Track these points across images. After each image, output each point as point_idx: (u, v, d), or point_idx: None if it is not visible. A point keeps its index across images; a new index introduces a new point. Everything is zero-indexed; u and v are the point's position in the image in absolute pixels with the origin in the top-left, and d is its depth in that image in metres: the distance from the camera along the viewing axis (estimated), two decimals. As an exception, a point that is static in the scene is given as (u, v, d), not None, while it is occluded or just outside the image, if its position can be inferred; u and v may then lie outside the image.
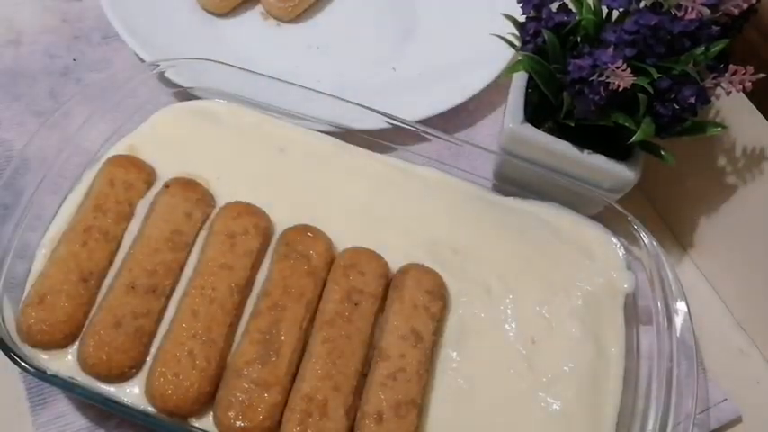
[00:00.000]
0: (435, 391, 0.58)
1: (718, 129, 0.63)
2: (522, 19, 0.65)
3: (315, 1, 0.89)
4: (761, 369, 0.73)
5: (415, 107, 0.77)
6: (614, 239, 0.68)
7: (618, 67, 0.57)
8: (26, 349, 0.54)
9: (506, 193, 0.70)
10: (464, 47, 0.86)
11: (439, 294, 0.61)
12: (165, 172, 0.65)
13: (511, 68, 0.66)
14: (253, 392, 0.53)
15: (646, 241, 0.66)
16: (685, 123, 0.62)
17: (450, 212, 0.67)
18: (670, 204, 0.80)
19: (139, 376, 0.55)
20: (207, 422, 0.54)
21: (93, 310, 0.56)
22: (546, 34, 0.62)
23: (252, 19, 0.88)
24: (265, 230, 0.62)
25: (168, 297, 0.58)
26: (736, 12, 0.57)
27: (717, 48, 0.60)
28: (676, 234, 0.80)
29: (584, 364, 0.60)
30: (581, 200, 0.68)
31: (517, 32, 0.66)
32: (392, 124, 0.70)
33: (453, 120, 0.82)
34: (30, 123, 0.74)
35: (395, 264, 0.63)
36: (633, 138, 0.61)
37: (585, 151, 0.66)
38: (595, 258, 0.66)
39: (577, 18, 0.63)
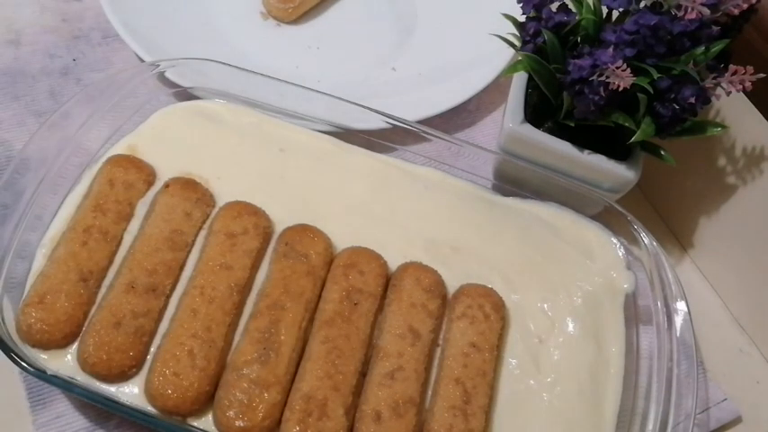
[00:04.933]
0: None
1: (719, 129, 0.63)
2: (522, 19, 0.65)
3: (315, 3, 0.89)
4: (761, 369, 0.73)
5: (415, 107, 0.77)
6: (614, 239, 0.68)
7: (618, 67, 0.57)
8: (26, 349, 0.54)
9: (506, 193, 0.70)
10: (464, 47, 0.86)
11: (437, 292, 0.61)
12: (165, 172, 0.65)
13: (511, 68, 0.66)
14: (252, 392, 0.53)
15: (646, 241, 0.66)
16: (685, 123, 0.62)
17: (449, 212, 0.67)
18: (670, 204, 0.80)
19: (139, 376, 0.55)
20: (206, 422, 0.54)
21: (93, 309, 0.56)
22: (546, 34, 0.62)
23: (252, 19, 0.88)
24: (265, 230, 0.62)
25: (168, 296, 0.58)
26: (736, 12, 0.57)
27: (717, 48, 0.60)
28: (676, 234, 0.80)
29: (585, 363, 0.61)
30: (581, 200, 0.68)
31: (517, 32, 0.66)
32: (392, 124, 0.70)
33: (453, 120, 0.82)
34: (30, 123, 0.74)
35: (394, 263, 0.63)
36: (633, 138, 0.61)
37: (585, 151, 0.66)
38: (595, 258, 0.66)
39: (577, 18, 0.63)
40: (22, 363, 0.52)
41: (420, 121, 0.73)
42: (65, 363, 0.55)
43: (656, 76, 0.58)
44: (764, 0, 0.60)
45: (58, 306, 0.55)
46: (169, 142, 0.67)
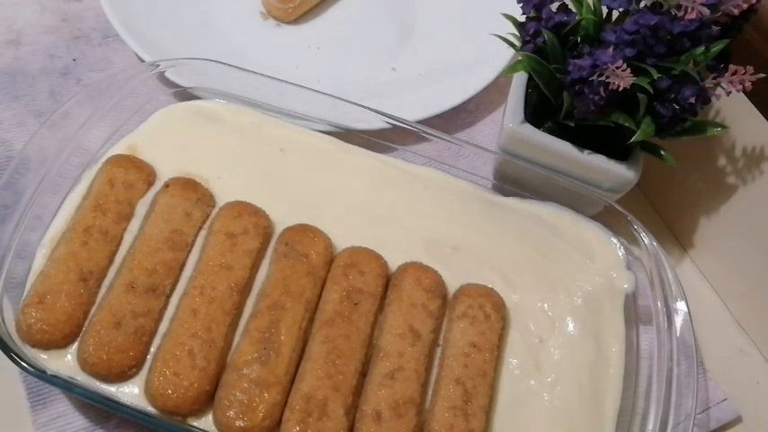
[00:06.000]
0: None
1: (719, 129, 0.63)
2: (522, 19, 0.65)
3: (315, 3, 0.89)
4: (761, 369, 0.73)
5: (415, 107, 0.77)
6: (614, 239, 0.68)
7: (618, 67, 0.57)
8: (26, 349, 0.54)
9: (506, 193, 0.70)
10: (464, 47, 0.86)
11: (438, 292, 0.61)
12: (165, 172, 0.65)
13: (511, 68, 0.66)
14: (252, 392, 0.53)
15: (646, 241, 0.66)
16: (685, 123, 0.62)
17: (450, 212, 0.67)
18: (670, 204, 0.80)
19: (139, 376, 0.55)
20: (207, 422, 0.54)
21: (93, 309, 0.56)
22: (546, 34, 0.62)
23: (252, 19, 0.88)
24: (265, 230, 0.62)
25: (168, 296, 0.58)
26: (736, 12, 0.57)
27: (717, 48, 0.60)
28: (676, 234, 0.80)
29: (585, 363, 0.61)
30: (581, 200, 0.68)
31: (517, 32, 0.66)
32: (392, 124, 0.70)
33: (453, 120, 0.82)
34: (30, 123, 0.74)
35: (394, 263, 0.63)
36: (633, 138, 0.61)
37: (585, 151, 0.66)
38: (595, 258, 0.66)
39: (577, 18, 0.63)
40: (22, 363, 0.52)
41: (420, 121, 0.73)
42: (65, 363, 0.55)
43: (656, 76, 0.58)
44: (764, 0, 0.60)
45: (58, 306, 0.55)
46: (169, 142, 0.67)
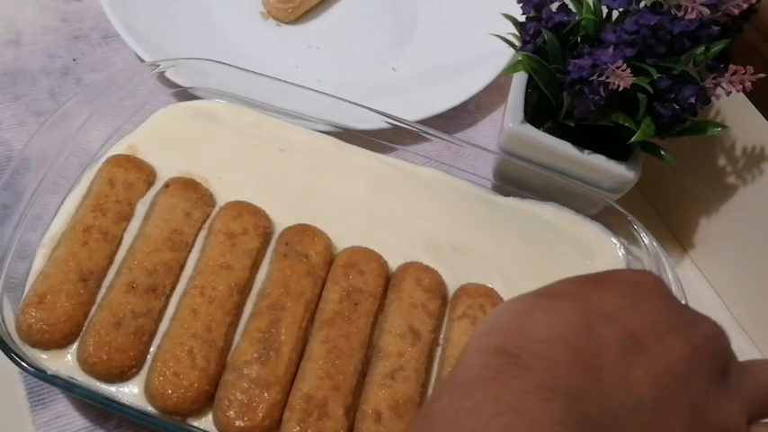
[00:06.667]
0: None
1: (719, 129, 0.63)
2: (522, 19, 0.65)
3: (315, 3, 0.89)
4: (761, 369, 0.73)
5: (415, 107, 0.77)
6: (614, 239, 0.68)
7: (618, 67, 0.57)
8: (26, 349, 0.54)
9: (506, 193, 0.70)
10: (464, 47, 0.86)
11: (438, 292, 0.60)
12: (165, 172, 0.65)
13: (511, 68, 0.66)
14: (252, 392, 0.53)
15: (646, 241, 0.66)
16: (685, 123, 0.62)
17: (449, 212, 0.67)
18: (670, 204, 0.80)
19: (139, 376, 0.55)
20: (207, 422, 0.54)
21: (93, 309, 0.56)
22: (546, 34, 0.62)
23: (252, 19, 0.88)
24: (265, 230, 0.62)
25: (168, 296, 0.58)
26: (736, 12, 0.57)
27: (717, 48, 0.60)
28: (676, 234, 0.80)
29: (584, 364, 0.60)
30: (581, 200, 0.68)
31: (517, 32, 0.66)
32: (392, 124, 0.70)
33: (453, 120, 0.82)
34: (30, 123, 0.74)
35: (394, 263, 0.63)
36: (633, 138, 0.61)
37: (585, 151, 0.66)
38: (595, 258, 0.66)
39: (577, 18, 0.63)
40: (22, 363, 0.52)
41: (420, 121, 0.73)
42: (65, 363, 0.54)
43: (656, 76, 0.58)
44: (765, 0, 0.60)
45: (58, 306, 0.55)
46: (169, 142, 0.67)
